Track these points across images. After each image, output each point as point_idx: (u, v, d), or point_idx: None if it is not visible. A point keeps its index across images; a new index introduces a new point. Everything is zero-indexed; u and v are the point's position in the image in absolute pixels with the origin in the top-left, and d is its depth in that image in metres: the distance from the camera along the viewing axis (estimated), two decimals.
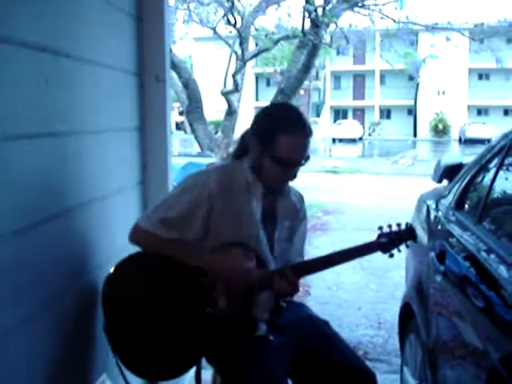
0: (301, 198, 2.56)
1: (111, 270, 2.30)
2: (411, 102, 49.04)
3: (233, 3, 11.75)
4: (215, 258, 2.28)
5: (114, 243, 2.57)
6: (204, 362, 2.41)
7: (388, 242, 2.35)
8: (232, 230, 2.30)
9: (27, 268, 1.84)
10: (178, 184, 2.37)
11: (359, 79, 51.89)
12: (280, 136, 2.24)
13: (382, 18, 12.11)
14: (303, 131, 2.28)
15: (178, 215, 2.26)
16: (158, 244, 2.29)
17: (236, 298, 2.28)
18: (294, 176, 2.33)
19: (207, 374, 2.54)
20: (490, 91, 47.51)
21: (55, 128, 2.05)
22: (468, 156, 3.49)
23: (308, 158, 2.32)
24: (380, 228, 2.38)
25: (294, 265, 2.37)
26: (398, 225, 2.39)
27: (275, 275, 2.30)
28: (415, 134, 48.80)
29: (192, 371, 2.45)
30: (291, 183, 2.45)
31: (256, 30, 13.07)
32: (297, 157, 2.28)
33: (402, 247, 2.38)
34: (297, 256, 2.52)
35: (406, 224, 2.40)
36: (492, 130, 37.86)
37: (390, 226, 2.38)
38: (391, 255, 2.38)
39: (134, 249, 2.36)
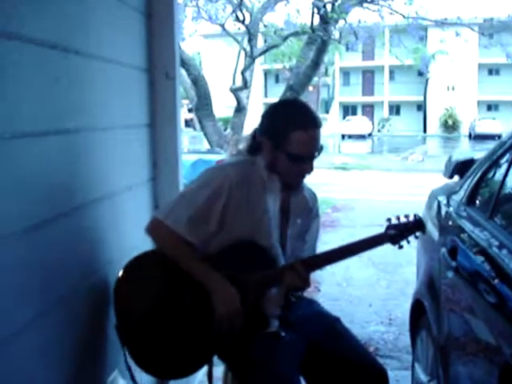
0: (314, 196, 2.56)
1: (123, 268, 2.30)
2: (421, 98, 48.90)
3: (241, 0, 11.75)
4: (216, 283, 2.26)
5: (124, 240, 2.58)
6: (215, 358, 2.41)
7: (397, 233, 2.35)
8: (245, 224, 2.30)
9: (39, 266, 1.85)
10: (198, 177, 2.36)
11: (368, 75, 51.76)
12: (292, 133, 2.24)
13: (391, 13, 12.09)
14: (314, 124, 2.28)
15: (198, 209, 2.25)
16: (174, 244, 2.28)
17: (247, 295, 2.28)
18: (311, 169, 2.33)
19: (218, 370, 2.54)
20: (500, 86, 47.28)
21: (65, 125, 2.05)
22: (478, 152, 3.47)
23: (322, 148, 2.33)
24: (388, 220, 2.38)
25: (304, 259, 2.36)
26: (407, 216, 2.38)
27: (285, 270, 2.30)
28: (425, 130, 48.66)
29: (203, 370, 2.45)
30: (306, 179, 2.44)
31: (265, 26, 13.07)
32: (311, 150, 2.28)
33: (411, 238, 2.38)
34: (308, 254, 2.52)
35: (415, 215, 2.40)
36: (502, 125, 37.69)
37: (398, 218, 2.38)
38: (400, 247, 2.38)
39: (145, 245, 2.36)
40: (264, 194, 2.34)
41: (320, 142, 2.32)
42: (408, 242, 2.39)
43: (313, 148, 2.29)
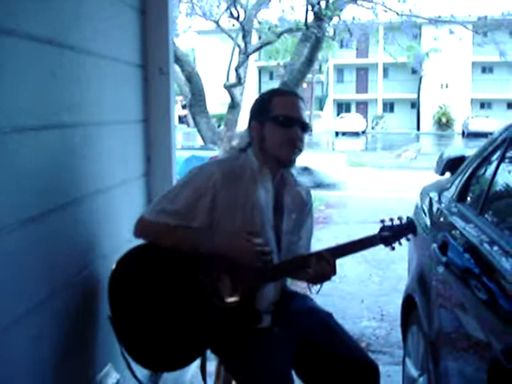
0: (308, 193, 2.57)
1: (117, 260, 2.31)
2: (414, 96, 48.94)
3: None
4: (223, 237, 2.28)
5: (118, 234, 2.59)
6: (208, 353, 2.43)
7: (389, 235, 2.38)
8: (236, 220, 2.31)
9: (34, 257, 1.87)
10: (183, 176, 2.38)
11: (362, 72, 51.77)
12: (274, 99, 2.37)
13: (385, 11, 12.07)
14: (294, 93, 2.44)
15: (182, 206, 2.27)
16: (166, 232, 2.29)
17: (240, 289, 2.30)
18: (300, 139, 2.35)
19: (211, 365, 2.56)
20: (494, 84, 47.37)
21: (61, 120, 2.07)
22: (471, 149, 3.50)
23: (310, 129, 2.41)
24: (382, 221, 2.40)
25: (329, 249, 2.37)
26: (400, 218, 2.41)
27: (313, 258, 2.32)
28: (418, 128, 48.71)
29: (195, 363, 2.46)
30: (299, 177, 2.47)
31: (259, 23, 13.05)
32: (295, 113, 2.34)
33: (403, 240, 2.41)
34: (304, 249, 2.54)
35: (407, 218, 2.43)
36: (495, 123, 37.76)
37: (391, 220, 2.40)
38: (393, 248, 2.40)
39: (138, 240, 2.38)
40: (255, 188, 2.35)
41: (305, 114, 2.39)
42: (400, 244, 2.41)
43: (296, 111, 2.35)
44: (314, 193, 2.62)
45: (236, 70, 11.85)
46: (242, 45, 12.04)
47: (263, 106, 2.38)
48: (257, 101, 2.46)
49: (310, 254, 2.38)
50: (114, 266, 2.31)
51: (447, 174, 3.58)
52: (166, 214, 2.28)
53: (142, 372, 2.49)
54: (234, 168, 2.35)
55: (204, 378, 2.46)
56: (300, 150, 2.37)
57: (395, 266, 6.92)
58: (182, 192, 2.30)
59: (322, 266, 2.30)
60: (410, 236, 2.41)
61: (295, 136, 2.33)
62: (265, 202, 2.37)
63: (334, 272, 2.33)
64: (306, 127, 2.37)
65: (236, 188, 2.31)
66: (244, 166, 2.37)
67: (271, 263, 2.31)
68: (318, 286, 2.47)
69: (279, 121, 2.32)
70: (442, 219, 3.08)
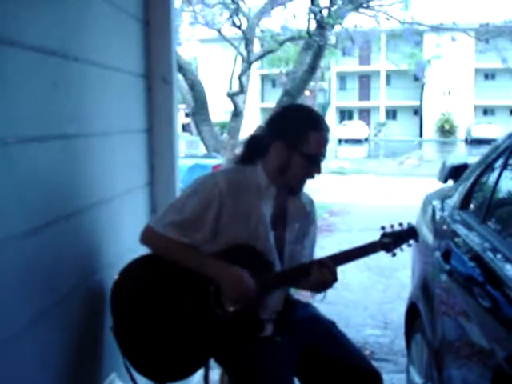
0: (311, 202, 2.58)
1: (120, 271, 2.32)
2: (417, 103, 48.93)
3: (238, 5, 11.79)
4: (223, 268, 2.28)
5: (122, 243, 2.60)
6: (212, 361, 2.43)
7: (391, 241, 2.37)
8: (240, 230, 2.32)
9: (38, 268, 1.87)
10: (189, 186, 2.38)
11: (364, 80, 51.81)
12: (311, 134, 2.30)
13: (387, 18, 12.13)
14: (326, 127, 2.38)
15: (189, 217, 2.27)
16: (169, 247, 2.30)
17: (242, 302, 2.30)
18: (320, 171, 2.37)
19: (214, 373, 2.56)
20: (496, 91, 47.37)
21: (65, 130, 2.08)
22: (474, 156, 3.50)
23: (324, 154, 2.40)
24: (383, 228, 2.40)
25: (330, 256, 2.37)
26: (401, 225, 2.41)
27: (314, 265, 2.32)
28: (421, 135, 48.68)
29: (199, 372, 2.46)
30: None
31: (261, 31, 13.10)
32: (323, 151, 2.36)
33: (405, 247, 2.41)
34: (308, 258, 2.54)
35: (409, 224, 2.42)
36: (498, 129, 37.69)
37: (392, 226, 2.40)
38: (394, 254, 2.40)
39: (142, 249, 2.38)
40: (259, 201, 2.36)
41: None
42: (401, 250, 2.41)
43: (325, 149, 2.36)
44: (318, 201, 2.63)
45: (239, 79, 11.90)
46: (245, 53, 12.09)
47: (296, 134, 2.31)
48: (288, 122, 2.40)
49: (311, 262, 2.38)
50: (116, 277, 2.32)
51: (450, 182, 3.59)
52: (173, 226, 2.28)
53: (145, 382, 2.49)
54: (240, 178, 2.35)
55: None
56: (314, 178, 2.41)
57: (399, 273, 6.91)
58: (189, 202, 2.30)
59: (324, 273, 2.30)
60: (411, 242, 2.41)
61: (318, 172, 2.37)
62: (266, 214, 2.38)
63: (335, 279, 2.34)
64: (325, 158, 2.39)
65: (241, 198, 2.31)
66: (250, 178, 2.37)
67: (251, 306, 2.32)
68: (322, 294, 2.47)
69: (310, 158, 2.32)
70: (444, 227, 3.08)
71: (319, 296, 2.47)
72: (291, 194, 2.44)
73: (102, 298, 2.39)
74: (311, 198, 2.60)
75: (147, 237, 2.35)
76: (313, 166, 2.34)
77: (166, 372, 2.35)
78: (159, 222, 2.32)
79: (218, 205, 2.27)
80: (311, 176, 2.38)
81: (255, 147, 2.41)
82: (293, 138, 2.31)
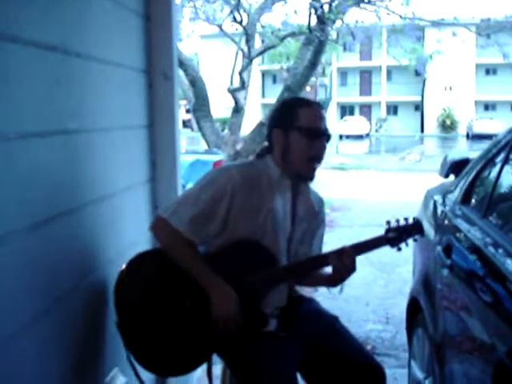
0: (320, 201, 2.59)
1: (125, 264, 2.32)
2: (418, 98, 48.91)
3: (239, 0, 11.77)
4: (215, 284, 2.28)
5: (123, 240, 2.60)
6: (214, 356, 2.43)
7: (396, 236, 2.38)
8: (249, 225, 2.32)
9: (39, 264, 1.87)
10: (202, 178, 2.39)
11: (366, 75, 51.77)
12: (300, 110, 2.35)
13: (388, 13, 12.08)
14: (317, 104, 2.43)
15: (202, 209, 2.28)
16: (176, 245, 2.30)
17: (222, 323, 2.30)
18: (323, 148, 2.37)
19: (217, 368, 2.57)
20: (498, 86, 47.32)
21: (66, 126, 2.08)
22: (476, 151, 3.51)
23: (330, 136, 2.41)
24: (388, 222, 2.40)
25: (350, 246, 2.37)
26: (406, 219, 2.41)
27: (333, 255, 2.33)
28: (422, 130, 48.67)
29: (202, 367, 2.47)
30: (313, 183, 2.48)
31: (262, 27, 13.09)
32: (320, 125, 2.36)
33: (410, 241, 2.41)
34: None
35: (414, 219, 2.43)
36: (500, 125, 37.69)
37: (397, 221, 2.40)
38: (399, 249, 2.40)
39: (143, 246, 2.39)
40: (272, 195, 2.36)
41: (326, 124, 2.41)
42: (407, 245, 2.41)
43: (321, 123, 2.37)
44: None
45: (239, 74, 11.89)
46: (246, 49, 12.08)
47: (287, 115, 2.37)
48: (279, 108, 2.47)
49: (330, 252, 2.37)
50: (120, 272, 2.32)
51: (451, 177, 3.59)
52: (184, 219, 2.28)
53: (148, 376, 2.50)
54: (252, 173, 2.36)
55: (210, 382, 2.47)
56: (321, 162, 2.40)
57: (400, 268, 6.91)
58: (203, 194, 2.31)
59: (344, 260, 2.31)
60: (416, 237, 2.41)
61: (321, 149, 2.36)
62: (282, 211, 2.38)
63: (354, 267, 2.34)
64: (329, 137, 2.40)
65: (252, 193, 2.32)
66: (261, 173, 2.38)
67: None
68: (339, 287, 2.47)
69: (306, 132, 2.33)
70: (446, 222, 3.09)
71: (336, 290, 2.46)
72: (303, 181, 2.44)
73: (103, 295, 2.40)
74: (321, 198, 2.61)
75: (158, 227, 2.35)
76: (313, 141, 2.34)
77: (169, 366, 2.36)
78: (174, 214, 2.31)
79: (230, 198, 2.28)
80: (315, 154, 2.36)
81: (267, 141, 2.45)
82: (285, 120, 2.37)
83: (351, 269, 2.34)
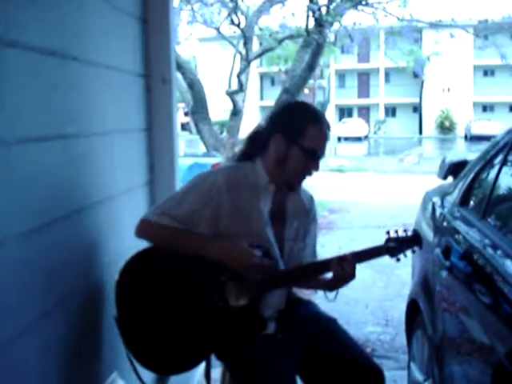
0: (311, 199, 2.59)
1: (124, 264, 2.32)
2: (416, 100, 48.93)
3: (236, 3, 11.78)
4: (223, 244, 2.29)
5: (122, 242, 2.60)
6: (214, 359, 2.43)
7: (395, 246, 2.38)
8: (240, 228, 2.32)
9: (38, 268, 1.87)
10: (188, 182, 2.39)
11: (364, 77, 51.81)
12: (310, 127, 2.32)
13: (385, 15, 12.10)
14: (326, 124, 2.39)
15: (186, 212, 2.28)
16: (166, 235, 2.31)
17: (246, 296, 2.30)
18: (318, 167, 2.38)
19: (216, 371, 2.57)
20: (496, 88, 47.35)
21: (64, 130, 2.08)
22: (474, 153, 3.51)
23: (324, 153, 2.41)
24: (387, 233, 2.41)
25: (351, 253, 2.37)
26: (405, 231, 2.42)
27: (334, 261, 2.33)
28: (421, 132, 48.70)
29: (201, 369, 2.47)
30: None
31: (260, 29, 13.09)
32: (323, 147, 2.37)
33: (408, 252, 2.42)
34: (310, 257, 2.55)
35: (413, 230, 2.44)
36: (498, 126, 37.72)
37: (397, 232, 2.41)
38: (398, 259, 2.42)
39: (142, 247, 2.39)
40: (258, 198, 2.37)
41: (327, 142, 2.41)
42: (405, 256, 2.42)
43: (324, 145, 2.37)
44: (317, 199, 2.63)
45: (238, 77, 11.90)
46: (244, 51, 12.09)
47: (295, 127, 2.34)
48: (287, 114, 2.44)
49: (331, 258, 2.38)
50: (121, 269, 2.32)
51: (450, 179, 3.59)
52: (168, 216, 2.29)
53: (148, 376, 2.50)
54: (239, 176, 2.36)
55: None
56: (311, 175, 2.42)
57: (399, 271, 6.90)
58: (186, 197, 2.31)
59: (344, 267, 2.32)
60: (415, 248, 2.42)
61: (315, 168, 2.38)
62: (264, 211, 2.38)
63: (354, 275, 2.34)
64: (323, 156, 2.40)
65: (240, 196, 2.32)
66: (249, 176, 2.38)
67: (274, 272, 2.32)
68: (334, 292, 2.48)
69: (308, 153, 2.33)
70: (444, 224, 3.09)
71: (331, 295, 2.46)
72: (289, 190, 2.44)
73: (102, 297, 2.40)
74: (311, 194, 2.61)
75: (143, 229, 2.35)
76: (310, 161, 2.34)
77: (167, 364, 2.36)
78: (154, 212, 2.33)
79: (216, 203, 2.28)
80: (309, 172, 2.38)
81: (256, 143, 2.43)
82: (292, 131, 2.33)
83: (351, 276, 2.34)
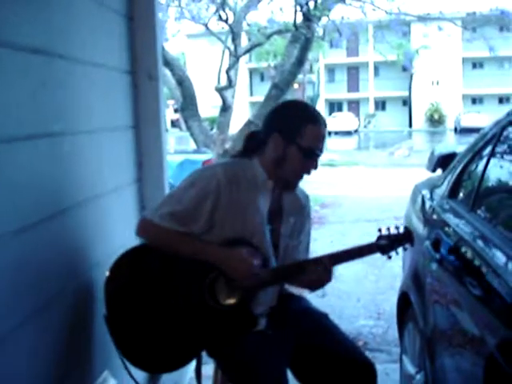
0: (306, 197, 2.60)
1: (114, 262, 2.31)
2: (406, 93, 49.05)
3: None
4: (222, 251, 2.30)
5: (111, 241, 2.60)
6: (206, 356, 2.43)
7: (387, 244, 2.39)
8: (236, 224, 2.32)
9: (27, 268, 1.86)
10: (187, 178, 2.39)
11: (353, 71, 51.88)
12: (308, 127, 2.33)
13: (373, 9, 12.11)
14: (324, 122, 2.40)
15: (186, 208, 2.28)
16: (167, 237, 2.30)
17: (236, 294, 2.30)
18: (316, 166, 2.40)
19: (208, 368, 2.56)
20: (485, 80, 47.53)
21: (51, 129, 2.07)
22: (463, 145, 3.52)
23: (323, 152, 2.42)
24: (379, 230, 2.41)
25: (329, 255, 2.37)
26: (397, 228, 2.42)
27: (310, 263, 2.34)
28: (411, 125, 48.83)
29: (194, 366, 2.47)
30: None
31: (248, 25, 13.09)
32: (320, 146, 2.37)
33: (400, 250, 2.42)
34: (303, 253, 2.55)
35: (405, 228, 2.44)
36: (487, 118, 37.80)
37: (388, 229, 2.41)
38: (389, 257, 2.42)
39: (131, 245, 2.38)
40: (256, 194, 2.37)
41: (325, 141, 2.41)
42: (397, 253, 2.43)
43: (322, 144, 2.38)
44: (309, 193, 2.63)
45: (227, 73, 11.89)
46: (232, 47, 12.08)
47: (293, 126, 2.34)
48: (285, 114, 2.43)
49: (307, 260, 2.40)
50: (111, 266, 2.31)
51: (439, 171, 3.60)
52: (170, 216, 2.28)
53: (140, 375, 2.49)
54: (238, 171, 2.36)
55: (199, 382, 2.47)
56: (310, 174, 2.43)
57: (391, 264, 6.87)
58: (186, 194, 2.31)
59: (319, 271, 2.32)
60: (407, 245, 2.43)
61: (314, 167, 2.39)
62: (262, 209, 2.38)
63: (329, 278, 2.35)
64: (321, 155, 2.41)
65: (238, 191, 2.32)
66: (246, 172, 2.37)
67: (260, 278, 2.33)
68: (321, 290, 2.48)
69: (305, 152, 2.33)
70: (434, 216, 3.09)
71: (319, 292, 2.47)
72: (287, 190, 2.45)
73: (92, 297, 2.39)
74: (307, 193, 2.62)
75: (144, 229, 2.35)
76: (309, 160, 2.35)
77: (158, 362, 2.36)
78: (156, 213, 2.32)
79: (215, 196, 2.28)
80: (307, 171, 2.39)
81: (253, 142, 2.43)
82: (290, 131, 2.33)
83: (325, 279, 2.35)
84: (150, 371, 2.52)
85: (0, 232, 1.71)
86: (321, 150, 2.37)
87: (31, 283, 1.90)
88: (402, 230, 2.42)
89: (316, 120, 2.36)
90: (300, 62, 11.46)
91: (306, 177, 2.42)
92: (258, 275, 2.29)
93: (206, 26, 13.08)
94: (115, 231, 2.65)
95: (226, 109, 12.18)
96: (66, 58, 2.20)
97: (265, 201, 2.39)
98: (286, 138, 2.33)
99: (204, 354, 2.42)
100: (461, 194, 2.98)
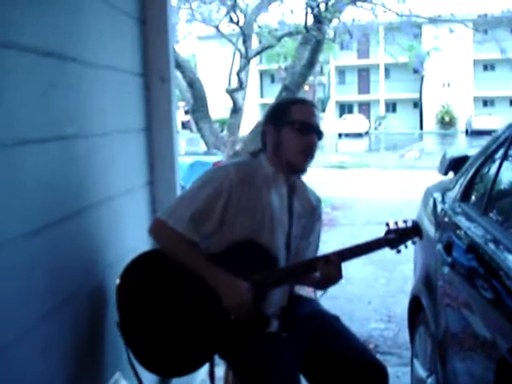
0: (317, 198, 2.60)
1: (125, 267, 2.32)
2: (417, 95, 48.86)
3: (235, 1, 11.78)
4: (223, 279, 2.29)
5: (124, 243, 2.60)
6: (217, 358, 2.43)
7: (395, 238, 2.39)
8: (246, 223, 2.33)
9: (40, 269, 1.88)
10: (199, 178, 2.40)
11: (364, 73, 51.75)
12: (292, 107, 2.40)
13: (384, 11, 12.09)
14: (310, 102, 2.48)
15: (199, 207, 2.28)
16: (177, 245, 2.30)
17: (236, 311, 2.30)
18: (314, 144, 2.39)
19: (219, 370, 2.57)
20: (496, 82, 47.27)
21: (64, 131, 2.08)
22: (475, 148, 3.51)
23: (322, 134, 2.44)
24: (387, 224, 2.41)
25: (336, 252, 2.39)
26: (405, 221, 2.42)
27: (320, 262, 2.35)
28: (421, 127, 48.63)
29: (204, 368, 2.47)
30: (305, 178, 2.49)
31: (259, 27, 13.09)
32: (311, 121, 2.39)
33: (409, 243, 2.42)
34: (312, 254, 2.55)
35: (413, 221, 2.44)
36: (498, 120, 37.62)
37: (396, 223, 2.41)
38: (398, 251, 2.42)
39: (143, 248, 2.39)
40: (268, 192, 2.38)
41: (319, 123, 2.44)
42: (406, 247, 2.43)
43: (314, 119, 2.40)
44: (319, 195, 2.64)
45: (237, 75, 11.90)
46: (243, 49, 12.08)
47: (280, 112, 2.42)
48: (273, 107, 2.51)
49: (317, 258, 2.40)
50: (121, 273, 2.32)
51: (451, 174, 3.59)
52: (184, 219, 2.28)
53: (150, 379, 2.50)
54: (248, 171, 2.38)
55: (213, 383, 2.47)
56: (313, 157, 2.41)
57: (402, 266, 6.90)
58: (199, 194, 2.31)
59: (330, 269, 2.32)
60: (416, 239, 2.42)
61: (312, 143, 2.39)
62: (279, 207, 2.39)
63: (340, 276, 2.35)
64: (320, 135, 2.42)
65: (249, 190, 2.33)
66: (256, 170, 2.39)
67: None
68: (323, 290, 2.48)
69: (297, 127, 2.36)
70: (446, 219, 3.08)
71: (319, 293, 2.48)
72: (295, 173, 2.45)
73: (104, 298, 2.40)
74: (319, 196, 2.62)
75: (157, 230, 2.37)
76: (304, 136, 2.36)
77: (170, 366, 2.36)
78: (171, 215, 2.31)
79: (227, 195, 2.29)
80: (306, 148, 2.38)
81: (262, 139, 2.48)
82: (279, 117, 2.40)
83: (336, 277, 2.36)
84: (163, 375, 2.53)
85: (13, 235, 1.72)
86: (313, 125, 2.39)
87: (46, 285, 1.91)
88: (409, 223, 2.42)
89: (302, 101, 2.47)
90: (310, 63, 11.45)
91: (316, 178, 2.42)
92: (243, 314, 2.28)
93: (216, 28, 13.10)
94: (128, 233, 2.66)
95: (236, 110, 12.19)
96: (78, 60, 2.21)
97: (281, 197, 2.40)
98: (277, 124, 2.39)
99: (215, 356, 2.43)
100: (473, 197, 2.97)
